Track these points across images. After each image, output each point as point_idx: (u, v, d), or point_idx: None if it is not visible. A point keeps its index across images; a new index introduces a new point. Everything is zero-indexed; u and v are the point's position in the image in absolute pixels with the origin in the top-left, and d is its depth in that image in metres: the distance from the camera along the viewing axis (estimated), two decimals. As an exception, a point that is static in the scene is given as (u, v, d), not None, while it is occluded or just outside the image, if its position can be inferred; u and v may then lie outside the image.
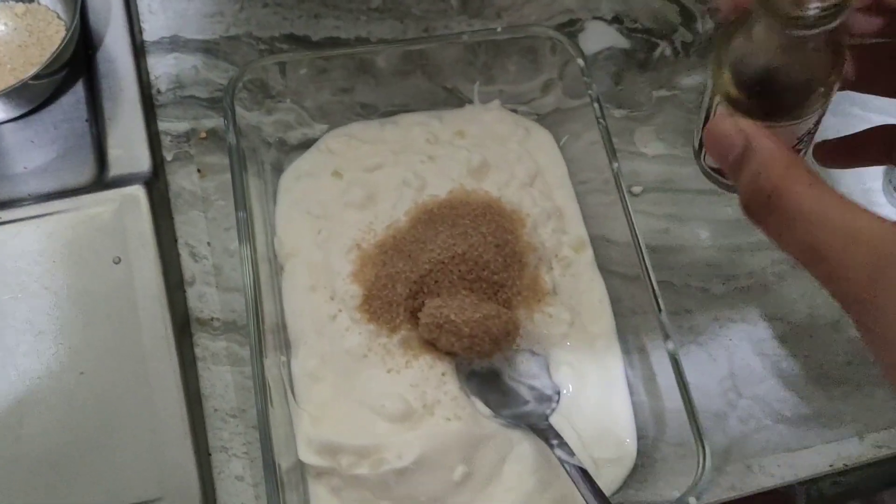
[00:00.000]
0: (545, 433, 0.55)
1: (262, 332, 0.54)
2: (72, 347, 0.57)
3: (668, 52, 0.74)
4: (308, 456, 0.54)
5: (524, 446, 0.56)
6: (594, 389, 0.59)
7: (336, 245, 0.61)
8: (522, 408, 0.57)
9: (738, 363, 0.63)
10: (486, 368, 0.58)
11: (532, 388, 0.58)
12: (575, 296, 0.61)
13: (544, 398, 0.58)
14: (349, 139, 0.66)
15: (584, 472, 0.52)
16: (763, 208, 0.37)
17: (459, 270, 0.57)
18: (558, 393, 0.58)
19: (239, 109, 0.61)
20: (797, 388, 0.62)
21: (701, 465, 0.51)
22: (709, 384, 0.62)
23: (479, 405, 0.56)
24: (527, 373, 0.59)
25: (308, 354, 0.58)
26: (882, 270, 0.32)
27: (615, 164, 0.60)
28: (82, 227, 0.60)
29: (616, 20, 0.75)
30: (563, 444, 0.54)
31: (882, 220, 0.34)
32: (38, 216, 0.60)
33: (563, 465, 0.53)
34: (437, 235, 0.58)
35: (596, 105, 0.61)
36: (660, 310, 0.56)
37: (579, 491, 0.51)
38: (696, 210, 0.68)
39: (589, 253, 0.63)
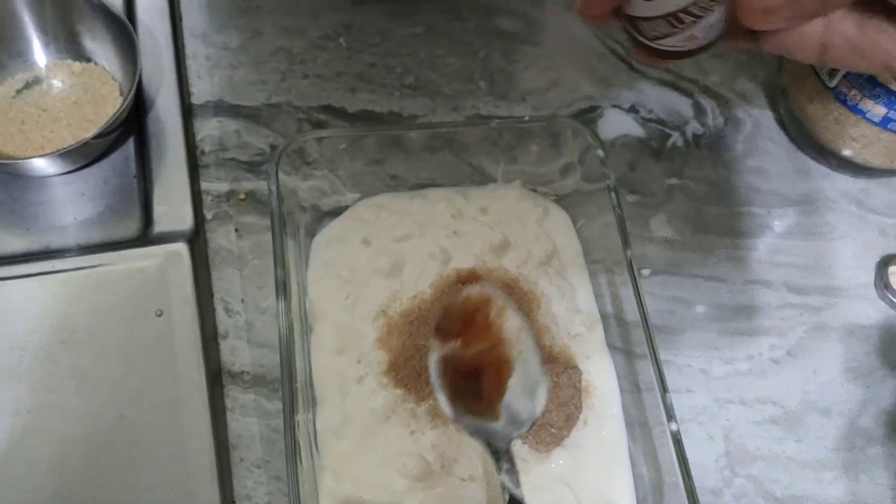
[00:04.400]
0: (498, 455, 0.53)
1: (294, 389, 0.58)
2: (113, 392, 0.61)
3: (680, 142, 0.79)
4: (330, 510, 0.58)
5: None
6: (598, 459, 0.62)
7: (363, 310, 0.64)
8: (489, 423, 0.55)
9: (734, 443, 0.67)
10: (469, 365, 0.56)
11: (509, 406, 0.55)
12: (585, 373, 0.64)
13: (517, 422, 0.55)
14: (378, 209, 0.70)
15: None
16: None
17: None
18: (533, 422, 0.55)
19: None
20: (789, 470, 0.66)
21: (697, 542, 0.55)
22: (706, 461, 0.66)
23: (443, 402, 0.55)
24: (515, 387, 0.55)
25: (333, 412, 0.61)
26: None
27: (629, 252, 0.64)
28: (128, 279, 0.64)
29: (633, 109, 0.80)
30: (513, 472, 0.53)
31: None
32: (88, 267, 0.64)
33: (502, 492, 0.53)
34: None
35: (613, 194, 0.66)
36: (665, 390, 0.60)
37: None
38: (700, 294, 0.72)
39: (599, 330, 0.67)
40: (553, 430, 0.60)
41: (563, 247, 0.70)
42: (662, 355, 0.62)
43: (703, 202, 0.77)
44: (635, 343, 0.64)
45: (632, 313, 0.64)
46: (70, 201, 0.69)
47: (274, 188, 0.64)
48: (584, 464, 0.61)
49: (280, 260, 0.62)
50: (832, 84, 0.72)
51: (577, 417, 0.61)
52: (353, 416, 0.61)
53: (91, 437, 0.59)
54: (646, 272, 0.72)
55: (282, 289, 0.61)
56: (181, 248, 0.66)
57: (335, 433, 0.61)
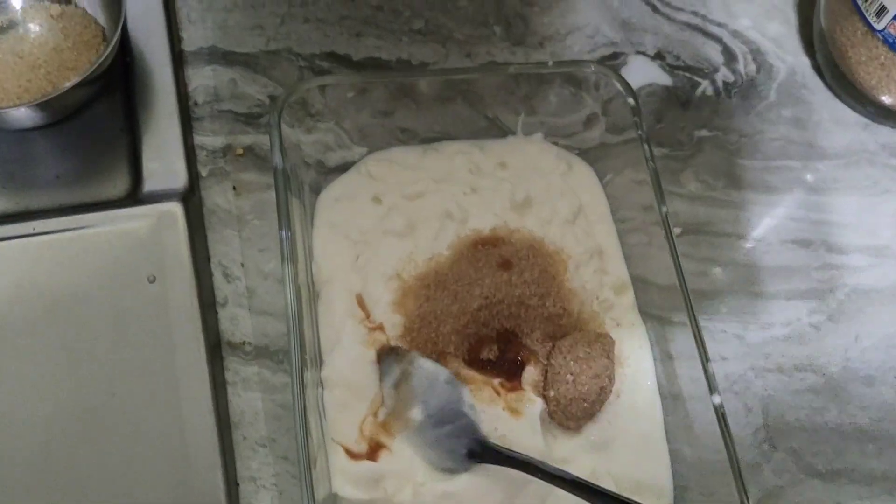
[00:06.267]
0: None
1: (303, 362, 0.53)
2: (102, 366, 0.55)
3: (710, 91, 0.74)
4: (345, 489, 0.53)
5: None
6: (632, 434, 0.58)
7: (375, 273, 0.59)
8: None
9: (772, 414, 0.62)
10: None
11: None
12: (616, 340, 0.60)
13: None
14: (390, 164, 0.65)
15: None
16: None
17: (504, 316, 0.57)
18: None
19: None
20: (831, 443, 0.62)
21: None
22: (743, 434, 0.62)
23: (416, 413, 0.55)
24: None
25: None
26: None
27: (664, 209, 0.59)
28: (117, 242, 0.59)
29: (659, 56, 0.74)
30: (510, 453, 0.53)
31: None
32: (72, 229, 0.59)
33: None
34: (482, 278, 0.57)
35: (646, 146, 0.61)
36: (706, 359, 0.55)
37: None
38: (734, 254, 0.67)
39: (630, 295, 0.62)
40: (585, 404, 0.55)
41: (589, 204, 0.65)
42: (695, 321, 0.57)
43: (734, 155, 0.71)
44: (667, 308, 0.60)
45: (664, 276, 0.59)
46: (51, 157, 0.63)
47: (277, 141, 0.59)
48: (618, 439, 0.57)
49: (285, 221, 0.56)
50: (880, 26, 0.66)
51: (611, 390, 0.57)
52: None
53: (79, 415, 0.54)
54: (676, 231, 0.67)
55: (288, 252, 0.56)
56: (174, 207, 0.60)
57: (346, 406, 0.56)
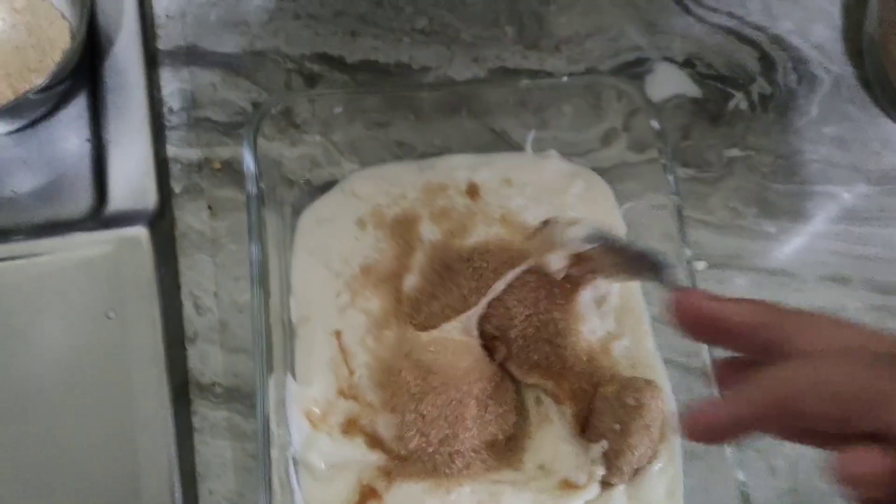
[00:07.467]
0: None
1: (267, 417, 0.47)
2: (52, 415, 0.50)
3: (744, 105, 0.66)
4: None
5: None
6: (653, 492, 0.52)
7: (357, 316, 0.53)
8: None
9: (801, 478, 0.56)
10: None
11: None
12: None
13: None
14: (378, 182, 0.59)
15: None
16: None
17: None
18: None
19: (258, 140, 0.54)
20: (867, 513, 0.55)
21: None
22: (768, 499, 0.55)
23: None
24: None
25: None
26: None
27: (687, 251, 0.52)
28: (74, 272, 0.53)
29: (688, 63, 0.67)
30: None
31: None
32: (24, 256, 0.53)
33: None
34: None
35: (670, 178, 0.54)
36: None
37: None
38: (763, 293, 0.61)
39: (650, 337, 0.56)
40: (632, 455, 0.50)
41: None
42: (718, 367, 0.51)
43: (768, 179, 0.65)
44: (688, 355, 0.54)
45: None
46: (7, 170, 0.58)
47: (251, 158, 0.53)
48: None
49: (257, 245, 0.51)
50: (942, 39, 0.59)
51: (657, 443, 0.52)
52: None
53: (22, 471, 0.49)
54: (700, 265, 0.61)
55: (258, 284, 0.50)
56: (140, 232, 0.55)
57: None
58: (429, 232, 0.56)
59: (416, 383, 0.50)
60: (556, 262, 0.51)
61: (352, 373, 0.52)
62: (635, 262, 0.47)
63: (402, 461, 0.50)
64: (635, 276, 0.52)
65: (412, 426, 0.50)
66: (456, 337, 0.52)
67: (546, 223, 0.51)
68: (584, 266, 0.51)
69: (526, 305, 0.53)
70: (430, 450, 0.49)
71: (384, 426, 0.51)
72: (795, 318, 0.36)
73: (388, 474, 0.50)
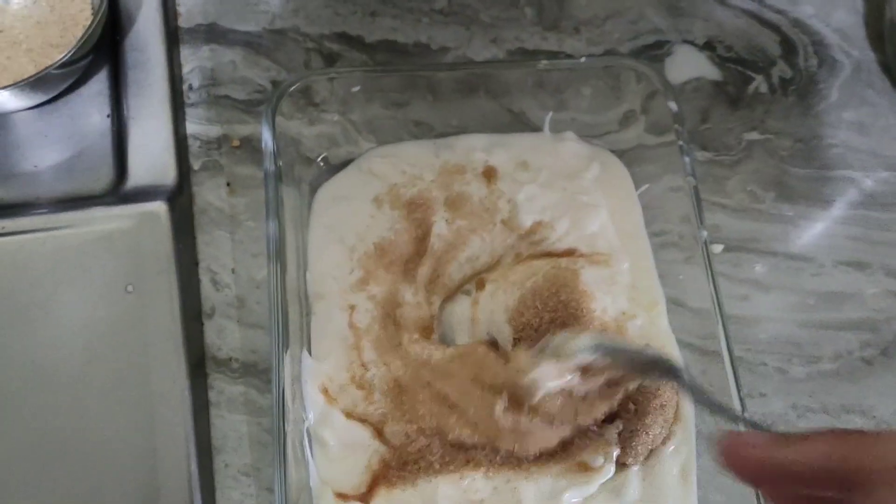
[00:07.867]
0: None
1: (282, 391, 0.48)
2: (71, 386, 0.51)
3: (764, 88, 0.66)
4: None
5: None
6: (672, 486, 0.52)
7: (369, 303, 0.54)
8: None
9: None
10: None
11: None
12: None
13: None
14: (395, 161, 0.59)
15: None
16: None
17: None
18: None
19: (277, 118, 0.54)
20: (880, 498, 0.55)
21: None
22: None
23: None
24: None
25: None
26: None
27: (704, 233, 0.52)
28: (93, 246, 0.53)
29: (708, 46, 0.67)
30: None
31: None
32: (45, 229, 0.53)
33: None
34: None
35: (686, 160, 0.54)
36: (743, 409, 0.49)
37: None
38: (781, 276, 0.60)
39: (665, 319, 0.56)
40: (647, 436, 0.50)
41: (621, 212, 0.58)
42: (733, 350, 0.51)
43: (787, 162, 0.64)
44: (702, 336, 0.53)
45: (699, 299, 0.53)
46: (29, 145, 0.58)
47: (269, 136, 0.53)
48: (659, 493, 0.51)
49: (274, 221, 0.51)
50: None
51: (671, 424, 0.52)
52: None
53: (44, 438, 0.50)
54: (717, 248, 0.61)
55: (275, 260, 0.50)
56: (159, 207, 0.55)
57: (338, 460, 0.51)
58: (442, 221, 0.56)
59: (430, 410, 0.50)
60: (557, 378, 0.47)
61: (366, 369, 0.52)
62: (649, 368, 0.46)
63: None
64: (650, 378, 0.49)
65: (420, 442, 0.50)
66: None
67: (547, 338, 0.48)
68: (595, 379, 0.47)
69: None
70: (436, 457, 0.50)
71: (392, 434, 0.50)
72: (872, 441, 0.30)
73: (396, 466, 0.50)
